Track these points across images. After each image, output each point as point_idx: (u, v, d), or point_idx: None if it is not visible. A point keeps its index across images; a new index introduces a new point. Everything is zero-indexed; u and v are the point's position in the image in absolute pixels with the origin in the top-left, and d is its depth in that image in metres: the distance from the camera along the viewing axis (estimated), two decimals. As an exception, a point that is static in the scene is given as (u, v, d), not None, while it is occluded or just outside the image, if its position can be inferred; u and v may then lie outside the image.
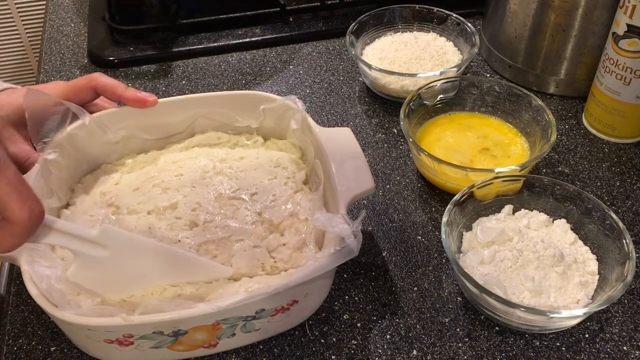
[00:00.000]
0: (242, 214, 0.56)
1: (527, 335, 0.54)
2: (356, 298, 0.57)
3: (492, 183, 0.59)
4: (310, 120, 0.59)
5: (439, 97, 0.72)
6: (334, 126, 0.75)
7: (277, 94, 0.80)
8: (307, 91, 0.81)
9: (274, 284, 0.46)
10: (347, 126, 0.75)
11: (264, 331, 0.51)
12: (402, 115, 0.66)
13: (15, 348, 0.53)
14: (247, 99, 0.63)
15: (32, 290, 0.46)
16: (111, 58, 0.86)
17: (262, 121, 0.64)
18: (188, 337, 0.47)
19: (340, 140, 0.57)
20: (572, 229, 0.58)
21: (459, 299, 0.57)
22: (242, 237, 0.55)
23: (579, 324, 0.55)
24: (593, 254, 0.56)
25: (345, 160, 0.55)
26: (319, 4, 0.93)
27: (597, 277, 0.55)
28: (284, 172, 0.60)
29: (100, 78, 0.61)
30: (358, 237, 0.47)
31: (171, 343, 0.48)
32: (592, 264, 0.56)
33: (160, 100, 0.61)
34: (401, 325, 0.55)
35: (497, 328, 0.55)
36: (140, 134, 0.63)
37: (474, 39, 0.78)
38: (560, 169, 0.70)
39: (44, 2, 1.04)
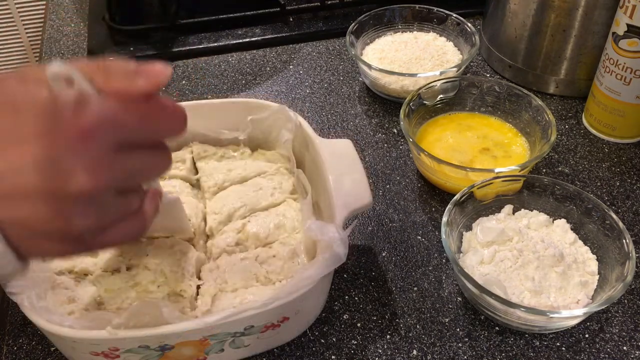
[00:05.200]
0: (226, 231, 0.56)
1: (527, 335, 0.54)
2: (356, 298, 0.57)
3: (492, 183, 0.59)
4: (309, 131, 0.58)
5: (439, 97, 0.72)
6: (334, 126, 0.75)
7: (277, 94, 0.80)
8: (307, 91, 0.81)
9: (264, 297, 0.45)
10: (347, 126, 0.75)
11: (254, 347, 0.51)
12: (402, 115, 0.66)
13: (15, 348, 0.53)
14: (236, 107, 0.61)
15: (19, 301, 0.45)
16: (111, 58, 0.86)
17: (250, 132, 0.62)
18: (175, 352, 0.47)
19: (340, 153, 0.56)
20: (572, 229, 0.58)
21: (459, 299, 0.57)
22: (227, 252, 0.55)
23: (579, 324, 0.55)
24: (593, 254, 0.56)
25: (343, 173, 0.54)
26: (319, 4, 0.93)
27: (597, 277, 0.55)
28: (270, 183, 0.60)
29: None
30: (345, 243, 0.46)
31: (158, 357, 0.47)
32: (592, 264, 0.56)
33: None
34: (401, 325, 0.55)
35: (497, 328, 0.55)
36: None
37: (474, 39, 0.78)
38: (560, 169, 0.70)
39: (44, 2, 1.04)
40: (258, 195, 0.58)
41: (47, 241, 0.36)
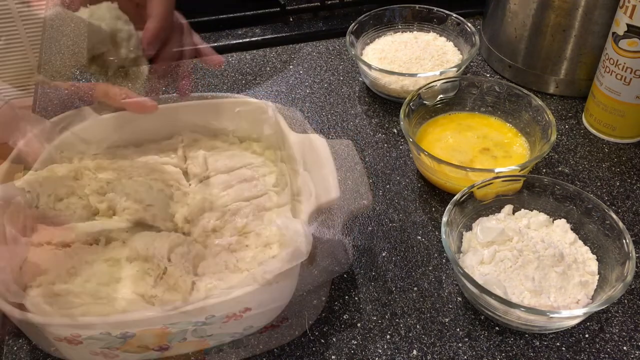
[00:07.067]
0: (206, 217, 0.57)
1: (527, 335, 0.54)
2: (356, 298, 0.57)
3: (492, 183, 0.59)
4: (284, 126, 0.59)
5: (439, 97, 0.72)
6: (334, 126, 0.75)
7: (277, 94, 0.80)
8: (307, 91, 0.81)
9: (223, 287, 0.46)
10: (347, 126, 0.75)
11: (218, 337, 0.50)
12: (402, 115, 0.66)
13: (15, 348, 0.53)
14: (224, 105, 0.63)
15: None
16: (111, 58, 0.86)
17: (238, 123, 0.63)
18: (137, 339, 0.47)
19: (312, 148, 0.56)
20: (572, 229, 0.58)
21: (459, 299, 0.57)
22: (202, 239, 0.55)
23: (579, 324, 0.55)
24: (593, 254, 0.56)
25: (312, 169, 0.54)
26: (319, 4, 0.93)
27: (597, 277, 0.55)
28: (255, 174, 0.61)
29: (105, 86, 0.63)
30: (309, 238, 0.47)
31: (121, 344, 0.47)
32: (592, 264, 0.56)
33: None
34: (401, 325, 0.55)
35: (497, 328, 0.55)
36: (117, 147, 0.63)
37: (474, 39, 0.78)
38: (560, 169, 0.70)
39: (44, 2, 1.04)
40: (242, 186, 0.59)
41: None
